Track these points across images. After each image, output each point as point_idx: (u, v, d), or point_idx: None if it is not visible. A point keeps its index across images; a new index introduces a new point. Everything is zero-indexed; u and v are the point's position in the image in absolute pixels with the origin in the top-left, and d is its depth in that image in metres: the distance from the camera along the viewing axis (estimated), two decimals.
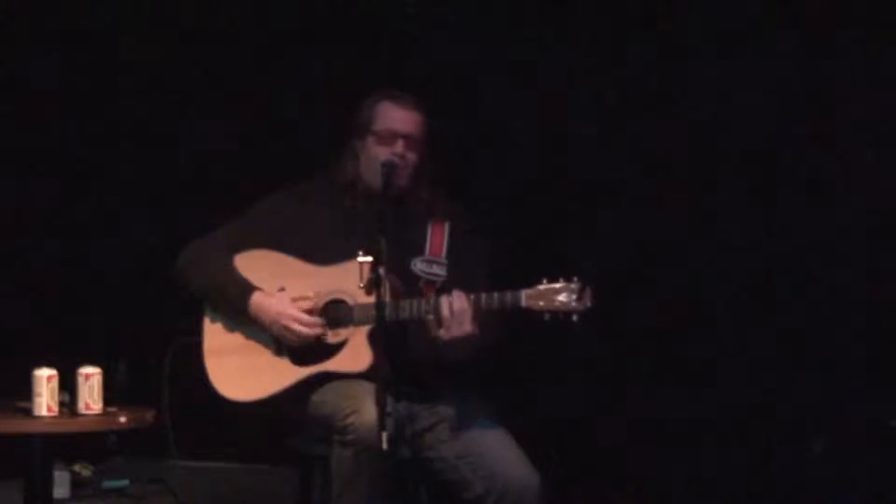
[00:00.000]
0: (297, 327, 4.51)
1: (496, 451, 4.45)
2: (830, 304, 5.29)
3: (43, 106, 5.85)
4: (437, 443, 4.52)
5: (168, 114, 5.86)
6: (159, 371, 5.36)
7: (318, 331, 4.51)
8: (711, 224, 5.41)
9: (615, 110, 5.47)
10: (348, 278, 4.50)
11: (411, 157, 4.61)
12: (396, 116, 4.63)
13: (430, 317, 4.39)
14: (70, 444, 5.12)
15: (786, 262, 5.36)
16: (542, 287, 4.35)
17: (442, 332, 4.39)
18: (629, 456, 5.45)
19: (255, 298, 4.55)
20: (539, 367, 5.47)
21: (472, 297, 4.38)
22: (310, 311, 4.53)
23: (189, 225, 4.80)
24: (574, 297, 4.33)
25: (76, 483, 5.37)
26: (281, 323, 4.52)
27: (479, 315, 4.39)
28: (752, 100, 5.39)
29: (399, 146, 4.60)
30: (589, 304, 4.34)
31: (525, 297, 4.36)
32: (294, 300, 4.53)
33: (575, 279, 4.34)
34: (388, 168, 4.55)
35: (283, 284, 4.57)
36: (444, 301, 4.38)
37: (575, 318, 4.34)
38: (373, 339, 4.43)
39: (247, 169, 5.69)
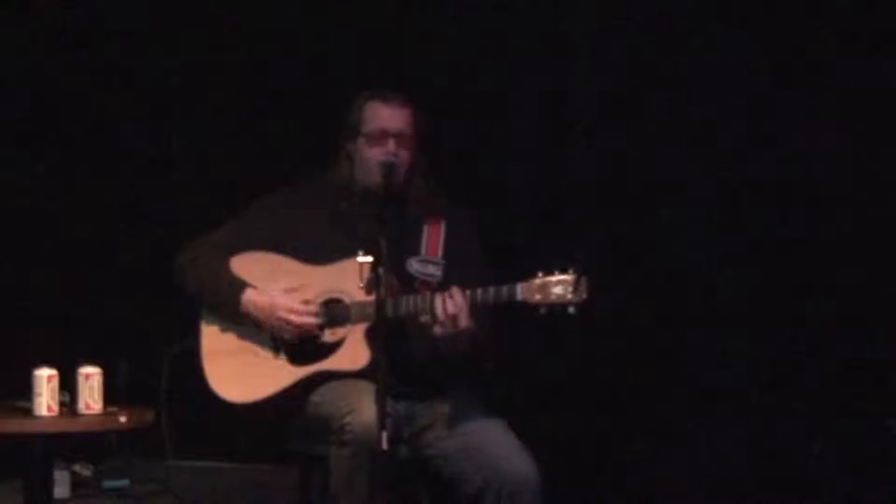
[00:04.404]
0: (293, 317, 4.49)
1: (495, 444, 4.43)
2: (830, 304, 5.29)
3: (43, 105, 5.85)
4: (436, 440, 4.51)
5: (168, 114, 5.87)
6: (159, 371, 5.36)
7: (313, 320, 4.50)
8: (711, 222, 5.41)
9: (615, 109, 5.47)
10: (345, 277, 4.49)
11: (404, 154, 4.59)
12: (385, 115, 4.61)
13: (426, 316, 4.38)
14: (70, 443, 5.13)
15: (786, 262, 5.36)
16: (537, 280, 4.32)
17: (437, 329, 4.37)
18: (628, 455, 5.45)
19: (247, 295, 4.54)
20: (538, 367, 5.48)
21: (467, 292, 4.36)
22: (305, 303, 4.53)
23: (189, 225, 4.80)
24: (570, 289, 4.30)
25: (76, 483, 5.38)
26: (276, 315, 4.51)
27: (476, 310, 4.37)
28: (753, 99, 5.38)
29: (391, 145, 4.58)
30: (585, 295, 4.30)
31: (521, 290, 4.33)
32: (287, 291, 4.53)
33: (570, 271, 4.31)
34: (388, 168, 4.54)
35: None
36: (439, 298, 4.37)
37: (571, 310, 4.31)
38: (370, 336, 4.43)
39: (247, 169, 5.69)
